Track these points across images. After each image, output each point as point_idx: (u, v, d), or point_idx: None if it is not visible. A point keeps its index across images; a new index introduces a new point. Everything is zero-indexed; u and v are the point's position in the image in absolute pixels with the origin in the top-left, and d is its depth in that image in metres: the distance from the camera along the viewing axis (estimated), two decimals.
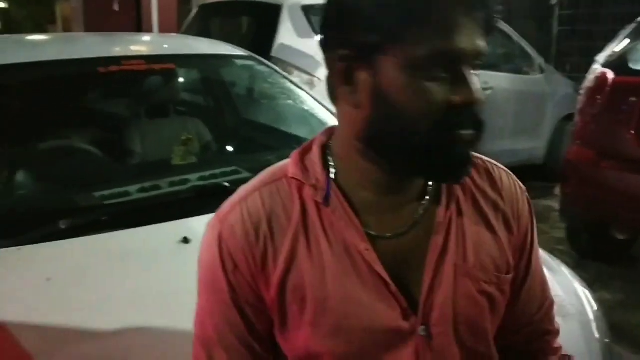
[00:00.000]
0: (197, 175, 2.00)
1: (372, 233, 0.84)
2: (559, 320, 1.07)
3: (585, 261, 3.71)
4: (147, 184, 1.89)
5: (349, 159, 0.84)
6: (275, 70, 2.76)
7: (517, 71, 5.45)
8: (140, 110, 2.57)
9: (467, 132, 0.77)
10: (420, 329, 0.84)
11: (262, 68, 2.75)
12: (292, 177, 0.86)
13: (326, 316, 0.82)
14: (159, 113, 2.61)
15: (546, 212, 4.58)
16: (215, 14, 5.59)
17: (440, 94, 0.75)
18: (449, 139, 0.77)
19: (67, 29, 13.50)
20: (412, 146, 0.77)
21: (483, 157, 0.94)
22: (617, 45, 3.61)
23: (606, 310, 1.75)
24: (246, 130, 2.74)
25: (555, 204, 4.45)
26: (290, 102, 2.66)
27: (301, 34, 4.37)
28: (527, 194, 0.97)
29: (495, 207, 0.92)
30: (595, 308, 1.68)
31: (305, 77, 4.08)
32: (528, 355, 1.03)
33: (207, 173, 2.01)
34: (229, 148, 2.59)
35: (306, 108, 2.57)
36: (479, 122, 0.78)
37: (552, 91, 5.67)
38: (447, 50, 0.74)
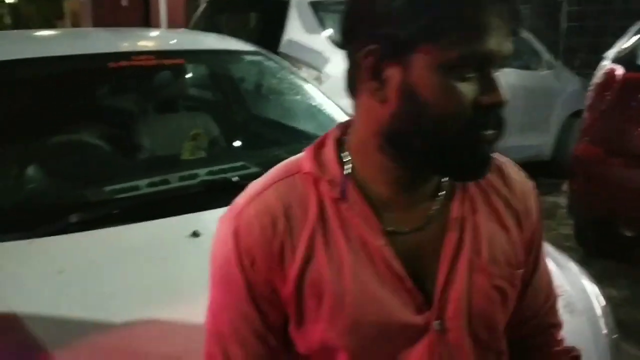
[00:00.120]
0: (206, 170, 2.01)
1: (389, 229, 0.84)
2: (566, 315, 1.08)
3: (592, 258, 3.70)
4: (156, 179, 1.90)
5: (367, 154, 0.84)
6: (284, 66, 2.77)
7: (526, 67, 5.42)
8: (150, 105, 2.58)
9: (490, 132, 0.78)
10: (435, 324, 0.84)
11: (270, 63, 2.76)
12: (308, 172, 0.86)
13: (343, 311, 0.82)
14: (168, 108, 2.63)
15: (553, 208, 4.57)
16: (223, 10, 5.59)
17: (470, 94, 0.76)
18: (475, 138, 0.78)
19: (75, 24, 13.52)
20: (438, 144, 0.77)
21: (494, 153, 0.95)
22: (626, 42, 3.59)
23: (613, 307, 1.75)
24: (255, 125, 2.75)
25: (562, 201, 4.44)
26: (298, 97, 2.66)
27: (309, 30, 4.38)
28: (536, 190, 0.98)
29: (507, 203, 0.92)
30: (603, 304, 1.68)
31: (313, 72, 4.09)
32: (533, 347, 1.03)
33: (215, 168, 2.02)
34: (238, 143, 2.60)
35: (314, 103, 2.57)
36: (501, 122, 0.79)
37: (561, 87, 5.66)
38: (481, 51, 0.74)
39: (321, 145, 0.89)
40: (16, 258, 1.52)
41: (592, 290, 1.73)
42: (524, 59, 5.47)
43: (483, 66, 0.76)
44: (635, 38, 3.56)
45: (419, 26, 0.73)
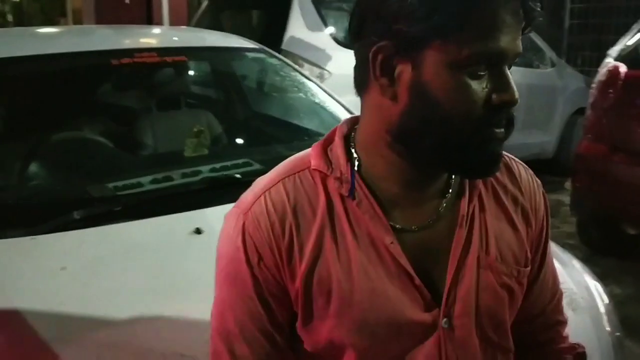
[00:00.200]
0: (209, 166, 2.01)
1: (397, 226, 0.84)
2: (570, 313, 1.08)
3: (596, 255, 3.69)
4: (159, 175, 1.90)
5: (375, 151, 0.83)
6: (286, 63, 2.76)
7: (528, 65, 5.42)
8: (152, 102, 2.58)
9: (501, 130, 0.78)
10: (443, 321, 0.84)
11: (273, 61, 2.76)
12: (316, 169, 0.85)
13: (352, 309, 0.82)
14: (171, 105, 2.63)
15: (557, 206, 4.56)
16: (226, 7, 5.59)
17: (481, 92, 0.75)
18: (485, 136, 0.77)
19: (77, 21, 13.51)
20: (448, 142, 0.77)
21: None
22: (629, 39, 3.58)
23: (616, 304, 1.75)
24: (257, 122, 2.75)
25: (565, 198, 4.43)
26: (301, 94, 2.66)
27: (312, 27, 4.37)
28: (542, 188, 0.98)
29: (515, 201, 0.92)
30: (607, 301, 1.68)
31: (316, 70, 4.08)
32: (539, 344, 1.04)
33: (218, 165, 2.02)
34: (240, 140, 2.60)
35: (317, 101, 2.57)
36: (512, 120, 0.79)
37: (563, 85, 5.65)
38: (494, 49, 0.73)
39: (329, 141, 0.88)
40: (19, 254, 1.52)
41: (596, 287, 1.72)
42: (527, 56, 5.46)
43: (495, 64, 0.75)
44: (638, 36, 3.54)
45: (431, 23, 0.73)
